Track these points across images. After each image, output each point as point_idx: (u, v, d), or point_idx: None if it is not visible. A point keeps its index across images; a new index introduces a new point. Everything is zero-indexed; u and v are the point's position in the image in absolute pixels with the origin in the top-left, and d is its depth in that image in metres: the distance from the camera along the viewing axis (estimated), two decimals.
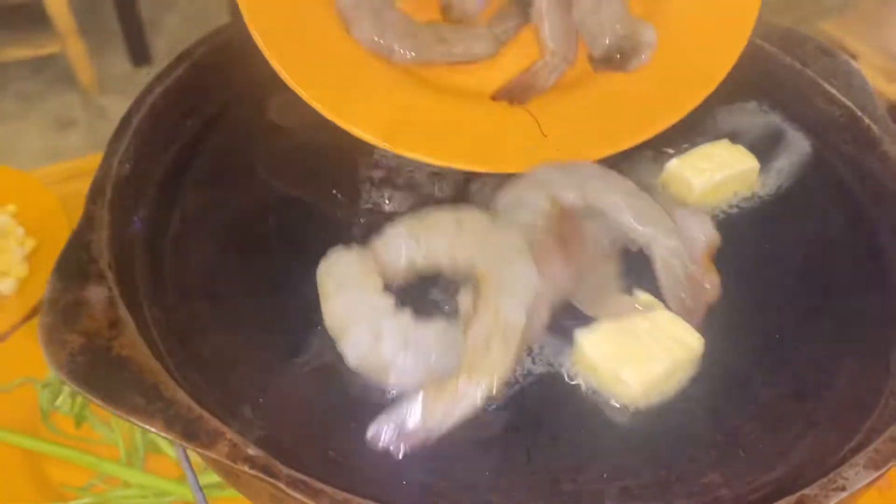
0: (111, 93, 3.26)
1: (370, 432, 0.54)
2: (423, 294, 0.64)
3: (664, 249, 0.66)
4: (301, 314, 0.63)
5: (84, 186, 1.46)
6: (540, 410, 0.60)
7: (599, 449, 0.58)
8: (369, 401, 0.57)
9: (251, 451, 0.50)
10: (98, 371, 0.54)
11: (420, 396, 0.55)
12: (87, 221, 0.63)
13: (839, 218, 0.76)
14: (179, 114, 0.77)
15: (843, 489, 0.51)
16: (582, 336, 0.60)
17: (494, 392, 0.55)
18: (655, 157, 0.77)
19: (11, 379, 1.11)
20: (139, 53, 3.32)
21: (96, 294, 0.58)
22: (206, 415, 0.52)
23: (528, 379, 0.60)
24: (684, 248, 0.65)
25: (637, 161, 0.76)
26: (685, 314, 0.62)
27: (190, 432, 0.51)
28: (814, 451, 0.58)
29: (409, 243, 0.63)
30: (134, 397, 0.52)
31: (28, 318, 1.20)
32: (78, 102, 3.25)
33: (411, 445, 0.54)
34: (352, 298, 0.60)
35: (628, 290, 0.64)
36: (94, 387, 0.53)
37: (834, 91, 0.82)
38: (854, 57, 2.45)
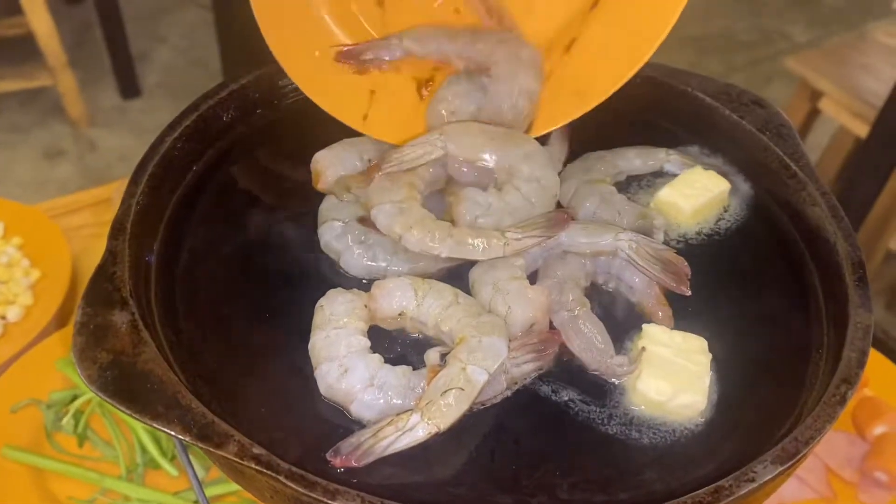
0: (101, 125, 3.35)
1: (329, 454, 0.63)
2: (394, 346, 0.74)
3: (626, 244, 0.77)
4: (298, 338, 0.72)
5: (82, 220, 1.55)
6: (503, 418, 0.69)
7: (555, 451, 0.68)
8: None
9: (256, 450, 0.60)
10: (124, 384, 0.63)
11: (373, 425, 0.65)
12: (111, 255, 0.72)
13: (775, 251, 0.88)
14: (188, 160, 0.87)
15: (753, 481, 0.61)
16: (641, 384, 0.71)
17: (441, 431, 0.64)
18: (648, 185, 0.92)
19: (18, 401, 1.19)
20: (129, 87, 3.41)
21: (121, 318, 0.68)
22: (216, 420, 0.61)
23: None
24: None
25: (633, 190, 0.91)
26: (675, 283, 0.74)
27: (204, 434, 0.60)
28: (735, 454, 0.68)
29: (409, 295, 0.73)
30: (156, 406, 0.62)
31: (32, 343, 1.28)
32: (68, 134, 3.33)
33: (362, 463, 0.63)
34: (332, 334, 0.70)
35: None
36: (121, 398, 0.62)
37: (766, 140, 0.93)
38: (819, 94, 2.60)
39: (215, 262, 0.80)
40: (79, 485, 1.12)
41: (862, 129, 2.43)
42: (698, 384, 0.71)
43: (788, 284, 0.84)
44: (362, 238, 0.80)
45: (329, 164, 0.86)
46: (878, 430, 1.19)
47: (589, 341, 0.72)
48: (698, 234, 0.88)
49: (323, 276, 0.80)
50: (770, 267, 0.86)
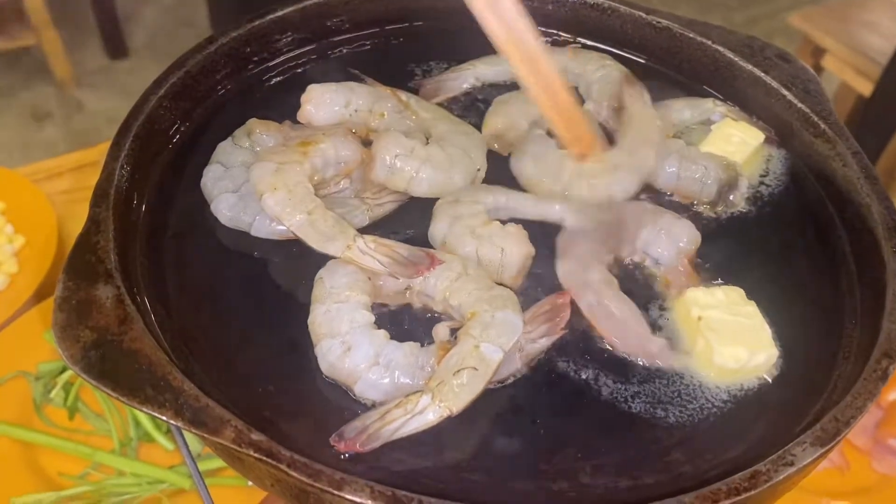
0: (87, 86, 3.25)
1: (333, 438, 0.59)
2: (399, 321, 0.69)
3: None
4: (298, 310, 0.67)
5: (68, 184, 1.49)
6: (520, 398, 0.65)
7: (575, 433, 0.63)
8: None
9: (255, 436, 0.55)
10: (110, 365, 0.58)
11: (379, 406, 0.60)
12: (93, 224, 0.66)
13: (802, 213, 0.82)
14: (175, 119, 0.81)
15: (792, 464, 0.56)
16: (718, 357, 0.66)
17: (453, 415, 0.60)
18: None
19: (4, 373, 1.14)
20: (116, 47, 3.31)
21: (105, 292, 0.62)
22: (211, 403, 0.56)
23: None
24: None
25: None
26: None
27: (198, 420, 0.55)
28: (767, 433, 0.64)
29: None
30: (145, 389, 0.57)
31: (19, 313, 1.23)
32: (53, 96, 3.24)
33: (367, 448, 0.58)
34: (333, 308, 0.64)
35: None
36: (107, 379, 0.57)
37: (791, 97, 0.87)
38: (822, 51, 2.53)
39: (205, 230, 0.74)
40: (70, 459, 1.07)
41: (866, 87, 2.39)
42: (764, 337, 0.67)
43: (817, 251, 0.79)
44: (238, 187, 0.74)
45: (311, 98, 0.80)
46: (892, 396, 1.16)
47: (621, 325, 0.67)
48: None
49: None
50: (797, 232, 0.81)
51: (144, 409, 0.56)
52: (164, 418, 0.55)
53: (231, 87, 0.88)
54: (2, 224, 1.34)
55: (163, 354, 0.59)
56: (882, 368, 0.63)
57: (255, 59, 0.90)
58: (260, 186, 0.70)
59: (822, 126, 0.84)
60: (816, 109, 0.86)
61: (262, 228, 0.72)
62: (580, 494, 0.60)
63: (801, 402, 0.67)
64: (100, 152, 1.50)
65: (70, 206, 1.45)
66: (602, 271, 0.70)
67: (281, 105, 0.84)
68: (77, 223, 1.39)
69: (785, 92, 0.88)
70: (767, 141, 0.87)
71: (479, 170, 0.80)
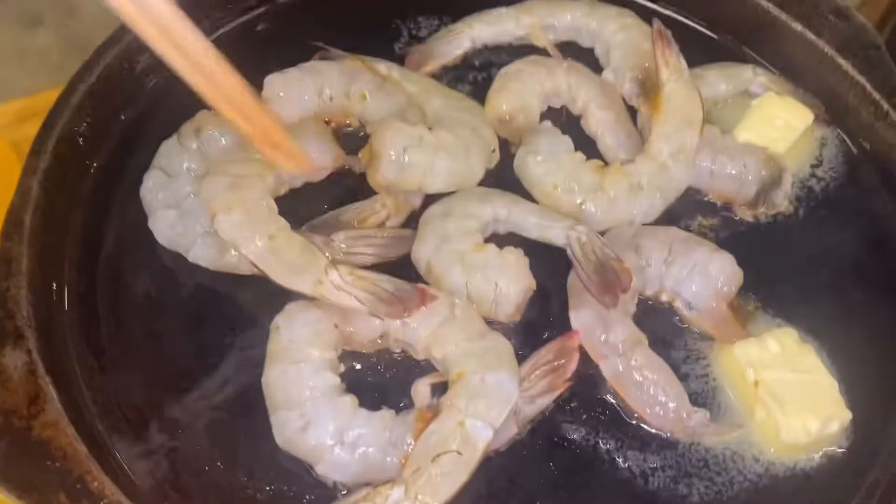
0: None
1: None
2: (372, 373, 0.58)
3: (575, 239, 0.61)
4: (249, 363, 0.57)
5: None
6: (514, 471, 0.55)
7: None
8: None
9: None
10: (17, 461, 0.48)
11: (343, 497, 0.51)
12: (3, 264, 0.55)
13: (861, 221, 0.69)
14: (106, 107, 0.68)
15: None
16: (786, 434, 0.55)
17: None
18: None
19: None
20: None
21: (14, 360, 0.52)
22: None
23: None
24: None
25: None
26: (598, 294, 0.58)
27: None
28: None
29: None
30: (58, 495, 0.47)
31: None
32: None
33: None
34: (291, 369, 0.53)
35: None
36: (13, 482, 0.47)
37: (848, 66, 0.72)
38: None
39: (145, 249, 0.63)
40: None
41: None
42: (834, 397, 0.56)
43: (875, 266, 0.66)
44: (180, 202, 0.62)
45: (273, 93, 0.67)
46: None
47: (653, 397, 0.56)
48: None
49: None
50: (852, 240, 0.68)
51: None
52: None
53: (157, 80, 0.74)
54: None
55: (81, 445, 0.49)
56: None
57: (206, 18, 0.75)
58: (212, 205, 0.58)
59: (885, 106, 0.70)
60: (879, 83, 0.71)
61: (202, 256, 0.61)
62: None
63: (853, 472, 0.56)
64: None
65: None
66: (628, 326, 0.58)
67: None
68: None
69: (840, 60, 0.73)
70: (817, 120, 0.73)
71: (493, 151, 0.68)
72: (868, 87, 0.72)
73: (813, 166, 0.72)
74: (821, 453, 0.56)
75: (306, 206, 0.64)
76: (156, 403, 0.56)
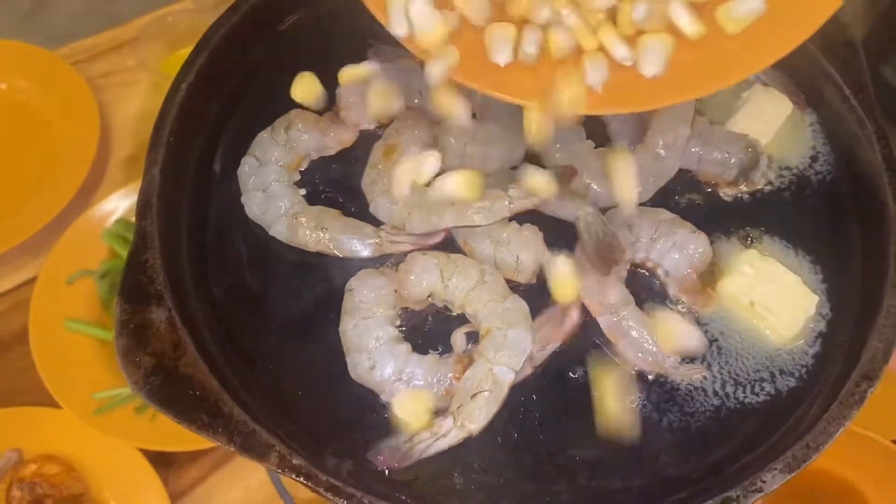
0: None
1: (370, 455, 0.68)
2: (422, 324, 0.75)
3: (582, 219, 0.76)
4: (330, 318, 0.74)
5: (106, 65, 1.49)
6: (527, 400, 0.73)
7: (576, 434, 0.72)
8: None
9: (296, 461, 0.64)
10: (169, 391, 0.67)
11: (407, 432, 0.68)
12: (141, 240, 0.72)
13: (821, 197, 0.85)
14: (203, 100, 0.83)
15: (761, 490, 0.65)
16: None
17: (473, 435, 0.68)
18: None
19: (70, 273, 1.25)
20: None
21: (158, 315, 0.70)
22: (258, 428, 0.66)
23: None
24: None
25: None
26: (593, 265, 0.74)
27: (247, 445, 0.65)
28: (747, 436, 0.71)
29: (436, 277, 0.73)
30: (201, 415, 0.66)
31: (68, 208, 1.29)
32: None
33: (402, 465, 0.68)
34: (361, 323, 0.71)
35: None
36: (168, 406, 0.66)
37: (825, 63, 0.85)
38: None
39: (242, 223, 0.80)
40: None
41: None
42: (802, 290, 0.76)
43: (830, 244, 0.81)
44: (266, 186, 0.79)
45: (353, 102, 0.82)
46: None
47: (639, 345, 0.73)
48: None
49: None
50: (811, 217, 0.83)
51: (201, 434, 0.65)
52: (218, 443, 0.65)
53: (260, 49, 0.88)
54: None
55: (213, 380, 0.67)
56: (860, 392, 0.68)
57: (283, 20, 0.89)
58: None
59: (853, 101, 0.83)
60: (850, 81, 0.84)
61: (280, 233, 0.78)
62: (575, 496, 0.69)
63: (782, 412, 0.73)
64: (137, 27, 1.49)
65: (110, 90, 1.47)
66: (620, 290, 0.74)
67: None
68: (117, 109, 1.44)
69: (817, 56, 0.85)
70: (797, 105, 0.86)
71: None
72: (839, 80, 0.84)
73: (811, 157, 0.86)
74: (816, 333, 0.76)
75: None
76: (259, 345, 0.75)
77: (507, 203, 0.75)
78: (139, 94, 1.46)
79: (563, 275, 0.71)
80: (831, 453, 0.67)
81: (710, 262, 0.76)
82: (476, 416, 0.68)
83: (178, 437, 1.10)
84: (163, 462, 1.11)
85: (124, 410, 1.12)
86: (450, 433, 0.68)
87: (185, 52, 0.83)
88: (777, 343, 0.75)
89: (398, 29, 0.64)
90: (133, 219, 1.25)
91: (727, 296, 0.76)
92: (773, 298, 0.75)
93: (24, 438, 1.12)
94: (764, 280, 0.75)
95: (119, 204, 1.29)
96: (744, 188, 0.83)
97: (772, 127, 0.85)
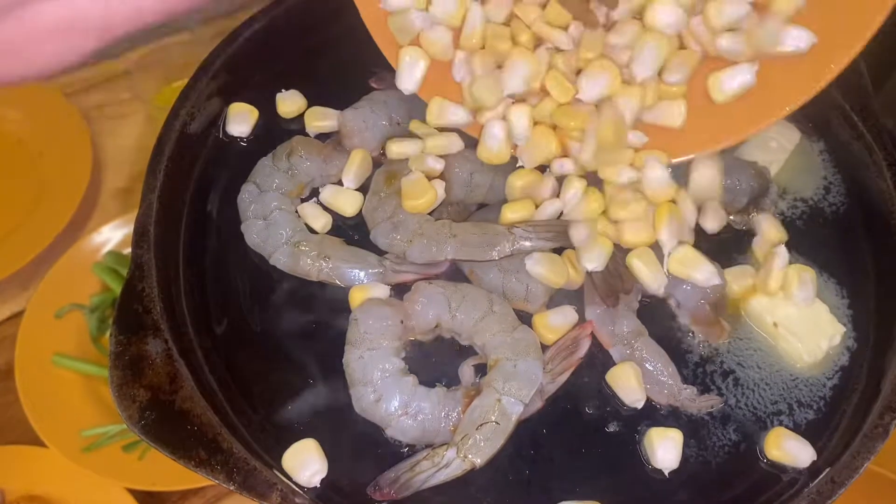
0: None
1: (369, 489, 0.65)
2: (429, 355, 0.73)
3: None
4: (332, 345, 0.72)
5: (100, 96, 1.48)
6: (538, 434, 0.70)
7: (589, 469, 0.69)
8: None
9: (299, 500, 0.61)
10: (166, 426, 0.64)
11: (410, 459, 0.66)
12: (137, 269, 0.70)
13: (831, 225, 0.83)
14: (204, 128, 0.81)
15: None
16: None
17: (477, 468, 0.65)
18: None
19: (59, 307, 1.22)
20: None
21: (155, 347, 0.67)
22: (258, 465, 0.63)
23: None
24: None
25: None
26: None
27: (247, 483, 0.62)
28: (768, 475, 0.69)
29: (443, 307, 0.71)
30: (199, 451, 0.63)
31: (58, 239, 1.26)
32: None
33: (401, 496, 0.65)
34: (366, 355, 0.69)
35: None
36: (164, 443, 0.63)
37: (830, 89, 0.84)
38: None
39: (240, 251, 0.77)
40: None
41: None
42: (829, 318, 0.73)
43: (844, 272, 0.79)
44: (267, 214, 0.77)
45: (356, 129, 0.80)
46: None
47: (654, 377, 0.70)
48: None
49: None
50: (825, 246, 0.81)
51: (199, 472, 0.62)
52: (217, 481, 0.62)
53: (261, 76, 0.87)
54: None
55: (212, 414, 0.64)
56: (884, 424, 0.66)
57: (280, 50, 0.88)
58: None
59: (861, 128, 0.82)
60: (857, 107, 0.83)
61: (281, 262, 0.76)
62: None
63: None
64: (132, 59, 1.48)
65: (104, 122, 1.45)
66: (632, 320, 0.72)
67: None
68: (110, 140, 1.42)
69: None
70: (804, 134, 0.85)
71: None
72: (846, 106, 0.84)
73: (825, 188, 0.85)
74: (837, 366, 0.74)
75: None
76: (258, 376, 0.72)
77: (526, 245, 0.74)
78: (133, 125, 1.45)
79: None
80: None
81: (722, 293, 0.74)
82: (480, 449, 0.65)
83: (168, 476, 1.06)
84: (152, 502, 1.06)
85: (112, 448, 1.09)
86: (452, 464, 0.65)
87: (181, 84, 0.82)
88: (795, 369, 0.73)
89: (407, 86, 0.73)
90: (125, 251, 1.24)
91: (752, 313, 0.75)
92: (798, 322, 0.73)
93: (7, 478, 1.08)
94: (791, 302, 0.74)
95: (110, 236, 1.26)
96: (755, 216, 0.81)
97: (781, 155, 0.84)
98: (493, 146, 0.73)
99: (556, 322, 0.73)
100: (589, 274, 0.73)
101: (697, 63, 0.70)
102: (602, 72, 0.68)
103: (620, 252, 0.73)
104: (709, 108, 0.71)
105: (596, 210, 0.72)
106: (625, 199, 0.71)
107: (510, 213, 0.74)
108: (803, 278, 0.73)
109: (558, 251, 0.74)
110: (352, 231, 0.79)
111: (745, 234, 0.80)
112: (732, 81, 0.69)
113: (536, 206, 0.74)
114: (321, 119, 0.83)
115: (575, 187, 0.72)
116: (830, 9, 0.66)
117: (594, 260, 0.71)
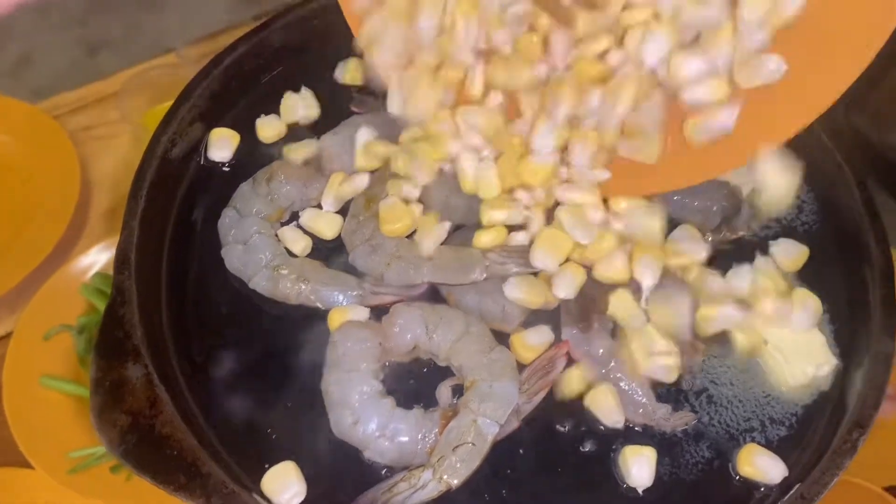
0: None
1: None
2: (407, 377, 0.74)
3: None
4: (310, 368, 0.73)
5: (89, 119, 1.49)
6: (514, 455, 0.71)
7: (565, 492, 0.70)
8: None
9: None
10: (146, 450, 0.65)
11: (387, 481, 0.67)
12: (119, 294, 0.71)
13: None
14: (186, 154, 0.83)
15: None
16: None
17: (453, 489, 0.66)
18: None
19: (47, 328, 1.22)
20: None
21: (135, 372, 0.68)
22: (237, 489, 0.64)
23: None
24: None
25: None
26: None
27: None
28: (741, 490, 0.70)
29: (420, 328, 0.72)
30: (178, 475, 0.64)
31: (46, 262, 1.27)
32: None
33: None
34: (344, 377, 0.70)
35: None
36: (144, 467, 0.64)
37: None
38: None
39: (222, 275, 0.78)
40: None
41: None
42: (822, 348, 0.74)
43: (814, 288, 0.80)
44: (247, 239, 0.78)
45: (336, 154, 0.82)
46: None
47: (629, 397, 0.72)
48: None
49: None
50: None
51: (178, 496, 0.63)
52: None
53: (245, 100, 0.89)
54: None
55: (191, 439, 0.65)
56: (852, 440, 0.67)
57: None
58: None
59: (829, 145, 0.84)
60: (828, 124, 0.84)
61: (260, 286, 0.77)
62: None
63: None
64: (120, 81, 1.49)
65: (92, 143, 1.46)
66: (606, 340, 0.73)
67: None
68: (98, 162, 1.43)
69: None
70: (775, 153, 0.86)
71: None
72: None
73: (798, 207, 0.86)
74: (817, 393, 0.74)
75: None
76: (237, 400, 0.73)
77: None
78: (121, 147, 1.45)
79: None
80: (824, 502, 0.66)
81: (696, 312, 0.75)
82: (456, 470, 0.66)
83: (155, 497, 1.05)
84: None
85: (99, 470, 1.09)
86: (428, 485, 0.66)
87: (167, 105, 0.83)
88: (772, 387, 0.74)
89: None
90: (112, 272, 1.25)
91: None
92: (789, 344, 0.74)
93: None
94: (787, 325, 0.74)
95: (98, 258, 1.27)
96: (728, 236, 0.83)
97: (753, 175, 0.84)
98: (468, 177, 0.75)
99: (532, 341, 0.74)
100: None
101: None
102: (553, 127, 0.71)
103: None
104: (685, 146, 0.71)
105: (562, 249, 0.74)
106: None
107: (484, 238, 0.75)
108: (806, 304, 0.74)
109: (535, 272, 0.75)
110: (331, 254, 0.80)
111: (718, 254, 0.81)
112: (710, 128, 0.70)
113: (509, 233, 0.76)
114: (299, 151, 0.84)
115: (536, 225, 0.75)
116: (817, 48, 0.66)
117: (565, 288, 0.72)
